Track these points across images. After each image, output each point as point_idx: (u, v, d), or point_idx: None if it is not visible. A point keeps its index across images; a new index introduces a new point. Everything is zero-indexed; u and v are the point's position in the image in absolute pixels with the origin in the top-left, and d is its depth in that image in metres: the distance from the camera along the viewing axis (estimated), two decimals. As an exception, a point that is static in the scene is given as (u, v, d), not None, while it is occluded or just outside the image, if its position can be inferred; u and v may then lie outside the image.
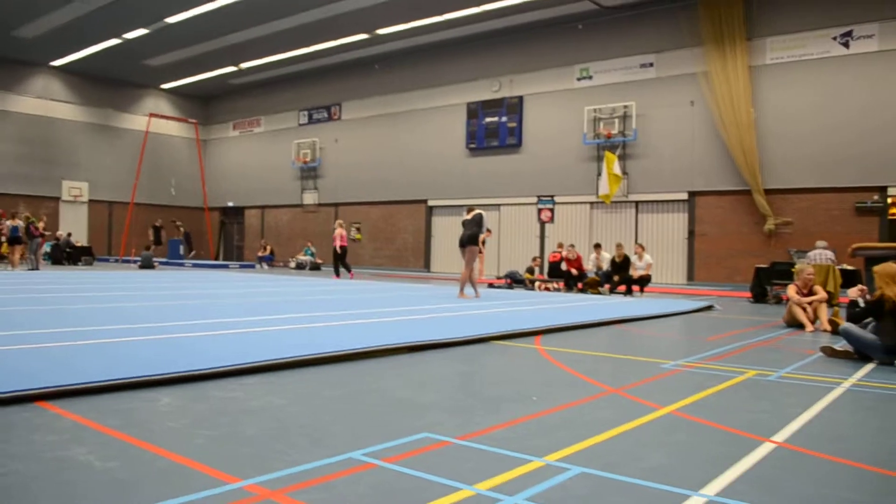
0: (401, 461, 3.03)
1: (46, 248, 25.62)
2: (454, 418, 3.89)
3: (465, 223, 12.86)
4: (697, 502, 2.64)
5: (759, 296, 15.47)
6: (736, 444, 3.53)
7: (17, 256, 20.75)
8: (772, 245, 20.06)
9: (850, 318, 7.07)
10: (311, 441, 3.32)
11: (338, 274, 21.41)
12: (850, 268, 14.70)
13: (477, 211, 13.01)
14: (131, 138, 34.36)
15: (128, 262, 28.76)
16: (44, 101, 32.03)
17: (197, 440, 3.27)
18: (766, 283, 15.56)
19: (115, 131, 34.62)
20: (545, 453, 3.20)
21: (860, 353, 6.74)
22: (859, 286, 7.46)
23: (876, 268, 6.78)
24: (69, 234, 27.99)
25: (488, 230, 13.34)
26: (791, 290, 10.12)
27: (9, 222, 20.73)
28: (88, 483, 2.63)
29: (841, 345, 7.10)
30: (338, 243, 21.08)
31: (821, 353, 7.03)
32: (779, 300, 14.79)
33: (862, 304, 7.00)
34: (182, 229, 31.14)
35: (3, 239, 21.68)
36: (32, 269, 20.24)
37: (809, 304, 9.78)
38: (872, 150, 18.71)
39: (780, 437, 3.67)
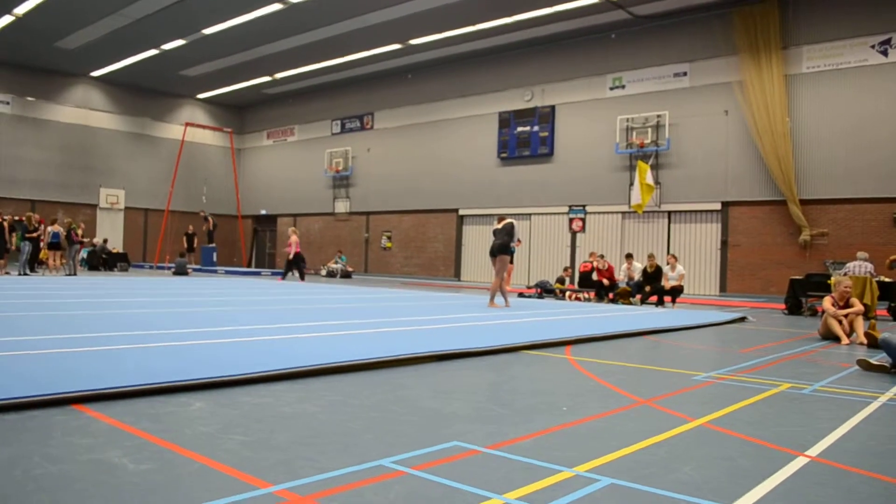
0: (430, 469, 3.04)
1: (83, 254, 26.08)
2: (483, 427, 3.89)
3: (495, 232, 12.85)
4: (728, 516, 2.61)
5: (794, 308, 15.25)
6: (768, 457, 3.48)
7: (56, 262, 21.18)
8: (807, 256, 19.77)
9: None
10: (341, 448, 3.34)
11: (284, 276, 23.32)
12: (887, 280, 14.43)
13: (508, 220, 13.00)
14: (167, 147, 34.95)
15: (162, 268, 29.16)
16: (83, 111, 32.73)
17: (228, 445, 3.31)
18: (801, 295, 15.33)
19: (151, 140, 35.23)
20: (575, 464, 3.18)
21: (898, 367, 6.61)
22: None
23: None
24: (105, 241, 28.47)
25: (518, 240, 13.25)
26: (827, 303, 9.95)
27: (50, 228, 21.16)
28: (123, 485, 2.68)
29: (878, 358, 6.97)
30: (292, 249, 22.67)
31: (857, 367, 6.91)
32: (814, 312, 14.56)
33: None
34: (210, 220, 30.79)
35: (43, 245, 22.12)
36: (70, 275, 20.61)
37: (845, 316, 9.61)
38: (912, 160, 18.38)
39: (814, 451, 3.61)
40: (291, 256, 22.81)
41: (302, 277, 23.29)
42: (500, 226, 12.87)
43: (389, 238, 31.15)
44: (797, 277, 15.89)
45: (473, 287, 23.12)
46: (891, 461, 3.57)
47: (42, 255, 23.04)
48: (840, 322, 9.58)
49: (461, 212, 28.26)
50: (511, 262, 18.18)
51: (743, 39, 20.96)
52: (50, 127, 31.62)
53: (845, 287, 9.90)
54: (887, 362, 6.74)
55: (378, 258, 31.71)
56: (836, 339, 9.45)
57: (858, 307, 9.80)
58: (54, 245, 21.05)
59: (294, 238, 23.00)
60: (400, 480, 2.88)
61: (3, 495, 2.53)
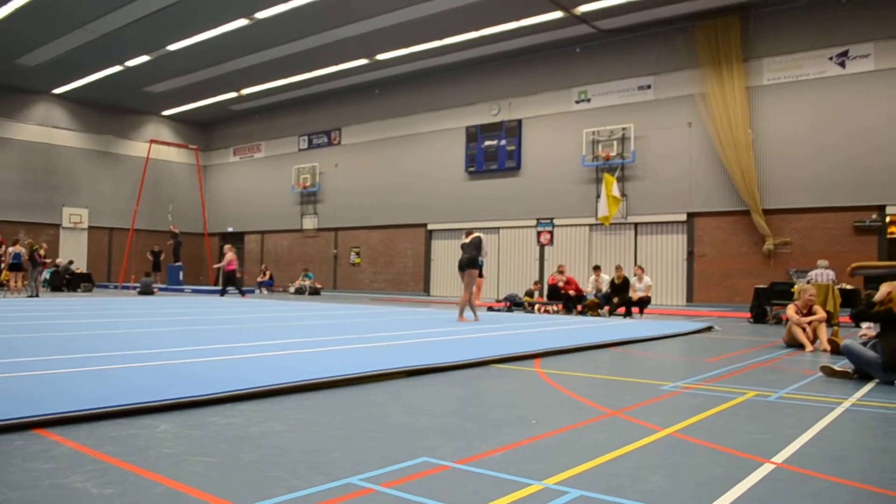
0: (399, 486, 3.02)
1: (46, 275, 25.64)
2: (453, 442, 3.88)
3: (464, 246, 12.87)
4: (696, 525, 2.63)
5: (759, 316, 15.48)
6: (735, 465, 3.52)
7: (18, 283, 20.78)
8: (771, 265, 20.07)
9: (856, 314, 7.14)
10: (310, 467, 3.31)
11: (223, 294, 23.86)
12: (849, 287, 14.71)
13: (476, 234, 13.04)
14: (132, 165, 34.51)
15: (127, 288, 28.74)
16: (45, 129, 32.21)
17: (194, 467, 3.26)
18: (766, 304, 15.57)
19: (115, 158, 34.78)
20: (544, 477, 3.19)
21: (860, 372, 6.73)
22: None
23: (886, 288, 6.82)
24: (70, 262, 27.99)
25: (485, 253, 13.26)
26: (790, 310, 10.11)
27: (12, 249, 20.77)
28: (85, 511, 2.62)
29: (840, 364, 7.09)
30: (227, 266, 23.57)
31: (820, 373, 7.02)
32: (778, 320, 14.77)
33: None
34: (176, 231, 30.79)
35: (3, 266, 21.71)
36: (32, 296, 20.23)
37: (809, 323, 9.76)
38: (870, 169, 18.78)
39: (780, 457, 3.66)
40: (227, 273, 23.81)
41: (242, 294, 24.02)
42: (468, 240, 12.91)
43: (358, 254, 31.04)
44: (762, 286, 16.13)
45: (443, 302, 23.12)
46: (854, 465, 3.63)
47: (2, 276, 22.61)
48: (804, 329, 9.73)
49: (430, 226, 28.26)
50: (481, 275, 18.24)
51: (705, 52, 21.30)
52: (11, 145, 31.08)
53: (809, 295, 10.06)
54: (850, 368, 6.86)
55: (347, 274, 31.57)
56: (801, 346, 9.60)
57: (821, 314, 9.97)
58: (16, 266, 20.65)
59: (230, 255, 23.69)
60: (369, 498, 2.86)
61: (-40, 524, 2.46)
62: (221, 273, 24.03)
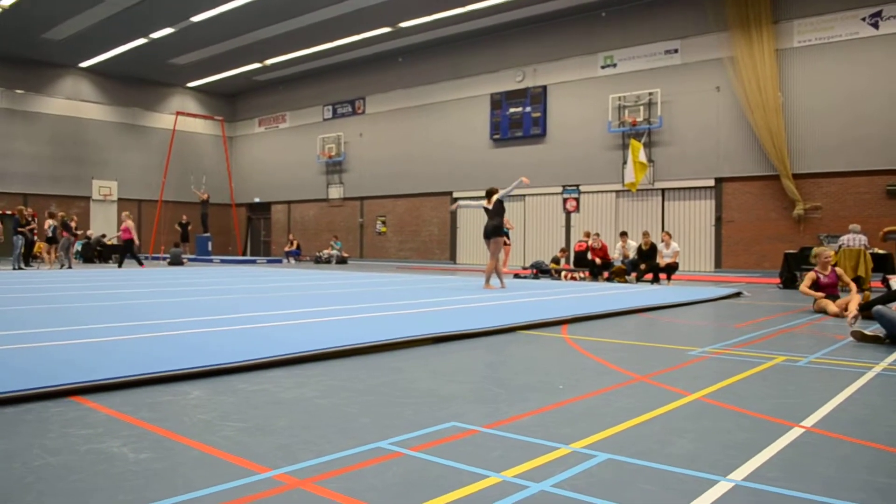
0: (428, 450, 3.06)
1: (77, 246, 26.01)
2: (481, 407, 3.91)
3: (487, 211, 12.75)
4: (724, 487, 2.64)
5: (789, 282, 15.32)
6: (763, 429, 3.51)
7: (52, 255, 21.14)
8: (801, 230, 19.82)
9: (879, 300, 7.01)
10: (339, 431, 3.36)
11: (121, 265, 21.98)
12: (881, 252, 14.49)
13: (496, 197, 12.73)
14: (159, 137, 34.81)
15: (157, 259, 29.11)
16: (73, 102, 32.54)
17: (226, 432, 3.32)
18: (796, 269, 15.40)
19: (142, 130, 35.08)
20: (572, 441, 3.21)
21: (892, 337, 6.65)
22: None
23: None
24: (103, 235, 28.39)
25: (508, 222, 12.97)
26: (806, 282, 9.94)
27: (50, 221, 21.09)
28: (122, 474, 2.69)
29: (872, 329, 7.02)
30: (127, 235, 21.82)
31: (851, 338, 6.95)
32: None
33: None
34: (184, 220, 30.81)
35: (36, 238, 22.06)
36: (65, 268, 20.57)
37: (845, 309, 9.32)
38: (904, 131, 18.39)
39: (808, 422, 3.64)
40: (123, 242, 22.08)
41: (140, 263, 22.30)
42: (490, 205, 12.71)
43: (384, 223, 31.13)
44: (791, 251, 15.96)
45: (469, 269, 23.15)
46: (884, 429, 3.61)
47: (36, 248, 22.98)
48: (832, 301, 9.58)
49: (455, 194, 28.22)
50: (507, 242, 18.18)
51: (733, 15, 20.88)
52: (40, 119, 31.46)
53: (825, 257, 10.00)
54: (881, 333, 6.78)
55: (373, 243, 31.70)
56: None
57: (846, 280, 9.77)
58: (51, 239, 20.99)
59: (129, 223, 22.02)
60: (398, 462, 2.90)
61: (3, 488, 2.54)
62: (66, 242, 21.34)
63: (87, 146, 32.95)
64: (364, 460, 2.90)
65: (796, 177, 19.94)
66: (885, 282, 14.00)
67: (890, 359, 5.83)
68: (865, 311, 7.43)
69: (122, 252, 22.28)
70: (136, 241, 22.57)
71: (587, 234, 19.00)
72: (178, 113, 32.36)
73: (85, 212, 32.29)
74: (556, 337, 6.96)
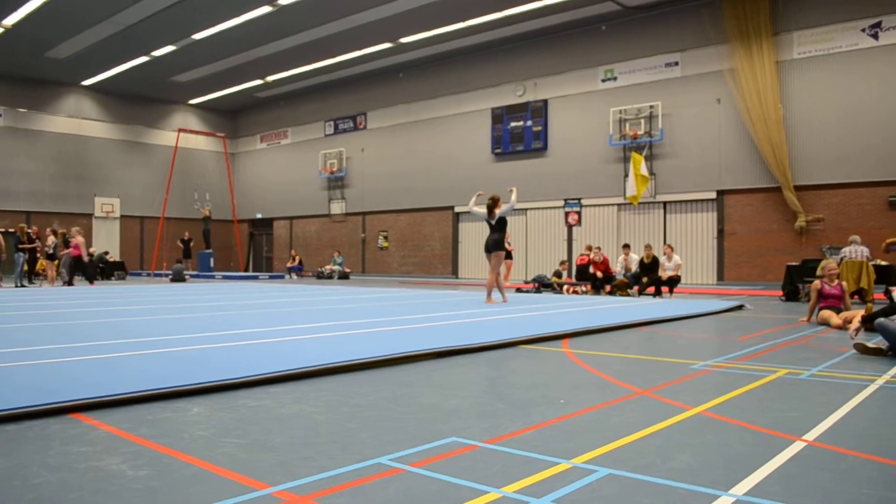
0: (429, 465, 3.05)
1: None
2: (481, 422, 3.90)
3: (489, 224, 12.71)
4: (726, 502, 2.63)
5: (791, 294, 15.27)
6: (765, 443, 3.49)
7: (54, 272, 21.16)
8: (803, 242, 19.80)
9: (881, 312, 6.99)
10: (340, 447, 3.35)
11: (70, 282, 20.98)
12: (883, 263, 14.47)
13: (498, 211, 12.61)
14: (161, 154, 34.91)
15: (160, 275, 29.15)
16: (76, 121, 32.68)
17: (226, 448, 3.31)
18: (798, 281, 15.35)
19: (145, 147, 35.19)
20: (573, 455, 3.19)
21: (894, 350, 6.63)
22: None
23: None
24: (106, 253, 28.44)
25: (509, 245, 12.72)
26: (813, 293, 10.09)
27: (52, 238, 21.13)
28: (121, 491, 2.68)
29: (875, 342, 6.99)
30: (76, 252, 20.99)
31: (854, 351, 6.93)
32: (810, 298, 14.56)
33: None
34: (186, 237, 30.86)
35: (40, 256, 22.10)
36: (66, 285, 20.59)
37: (848, 322, 9.25)
38: (905, 143, 18.40)
39: (811, 435, 3.63)
40: (72, 259, 21.12)
41: (91, 281, 21.63)
42: (493, 220, 12.62)
43: (386, 238, 31.16)
44: (794, 264, 15.92)
45: (471, 284, 23.14)
46: (887, 443, 3.59)
47: (39, 266, 23.01)
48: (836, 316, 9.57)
49: (457, 209, 28.25)
50: (510, 256, 18.20)
51: (733, 27, 20.96)
52: (43, 137, 31.58)
53: (830, 270, 10.08)
54: (884, 345, 6.76)
55: (375, 258, 31.71)
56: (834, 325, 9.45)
57: (856, 316, 9.52)
58: (51, 256, 21.03)
59: (79, 239, 21.31)
60: (398, 477, 2.89)
61: (2, 505, 2.54)
62: (68, 260, 21.09)
63: (90, 164, 33.05)
64: (364, 476, 2.89)
65: (798, 189, 19.94)
66: (888, 293, 13.97)
67: (892, 371, 5.81)
68: (868, 323, 7.41)
69: (71, 269, 21.33)
70: (85, 258, 21.92)
71: (589, 248, 19.00)
72: (180, 130, 32.46)
73: (87, 229, 32.29)
74: (557, 351, 6.94)
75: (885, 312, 7.01)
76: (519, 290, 19.23)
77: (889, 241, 13.86)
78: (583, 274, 18.35)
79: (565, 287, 18.71)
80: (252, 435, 3.58)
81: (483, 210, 12.80)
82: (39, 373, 5.00)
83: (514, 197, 12.78)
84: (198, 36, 25.51)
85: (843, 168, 19.37)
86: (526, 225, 26.12)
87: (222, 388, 4.71)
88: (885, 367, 6.04)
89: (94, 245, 30.38)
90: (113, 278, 26.77)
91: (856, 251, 14.30)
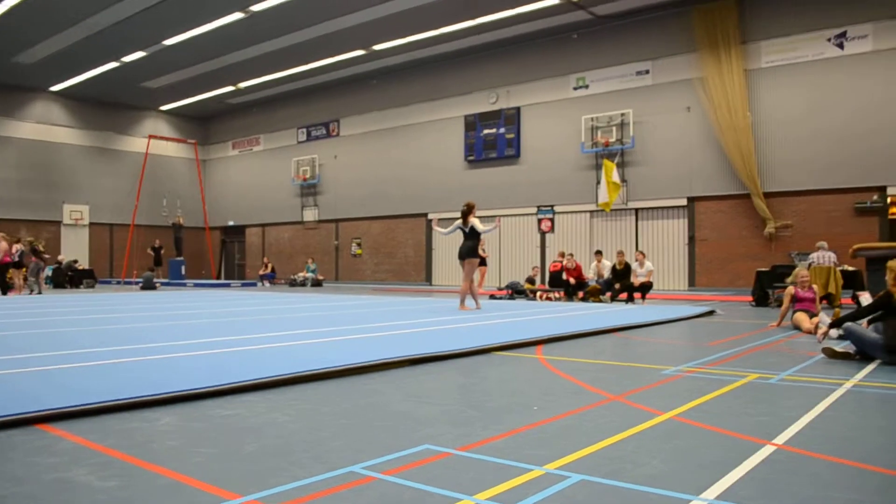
0: (401, 473, 3.03)
1: (48, 271, 25.66)
2: (454, 429, 3.89)
3: (463, 232, 12.72)
4: (697, 506, 2.64)
5: (761, 299, 15.46)
6: (736, 447, 3.52)
7: (20, 281, 20.81)
8: (772, 248, 20.06)
9: (848, 317, 7.10)
10: (312, 456, 3.32)
11: (4, 292, 20.19)
12: (851, 269, 14.69)
13: (471, 220, 12.65)
14: (131, 160, 34.50)
15: (129, 283, 28.79)
16: (44, 126, 32.20)
17: (197, 458, 3.27)
18: (768, 287, 15.55)
19: (114, 154, 34.76)
20: (545, 462, 3.20)
21: (862, 354, 6.73)
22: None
23: (890, 263, 6.78)
24: (75, 261, 28.03)
25: (483, 252, 12.76)
26: (786, 298, 10.22)
27: (18, 246, 20.74)
28: (88, 503, 2.64)
29: (842, 346, 7.10)
30: (2, 258, 19.93)
31: (822, 355, 7.03)
32: (780, 303, 14.75)
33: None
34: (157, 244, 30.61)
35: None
36: (35, 293, 20.26)
37: (816, 327, 9.38)
38: (870, 150, 18.74)
39: (781, 439, 3.67)
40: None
41: (4, 291, 20.31)
42: (466, 227, 12.66)
43: (359, 245, 31.06)
44: (763, 269, 16.12)
45: (445, 291, 23.13)
46: (855, 446, 3.64)
47: (8, 274, 22.62)
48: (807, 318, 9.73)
49: (430, 216, 28.24)
50: (484, 263, 18.21)
51: (702, 36, 21.23)
52: (10, 144, 31.07)
53: (802, 278, 10.23)
54: (851, 350, 6.86)
55: (349, 265, 31.60)
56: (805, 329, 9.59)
57: (823, 325, 9.58)
58: (17, 264, 20.67)
59: (3, 245, 19.93)
60: (371, 486, 2.87)
61: (-35, 519, 2.48)
62: (35, 268, 20.66)
63: (58, 170, 32.56)
64: (337, 485, 2.87)
65: (767, 195, 20.22)
66: (856, 299, 14.19)
67: (860, 375, 5.90)
68: (836, 327, 7.52)
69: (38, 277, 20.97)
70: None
71: (561, 255, 19.09)
72: (150, 136, 32.12)
73: (56, 236, 31.88)
74: (530, 358, 6.96)
75: (853, 317, 7.12)
76: (493, 296, 19.26)
77: (856, 246, 14.07)
78: (556, 280, 18.42)
79: (538, 294, 18.77)
80: (223, 444, 3.54)
81: (447, 229, 13.09)
82: (3, 383, 4.90)
83: (487, 227, 12.82)
84: (169, 41, 25.28)
85: (810, 175, 19.68)
86: (499, 232, 26.14)
87: (193, 397, 4.65)
88: (853, 370, 6.13)
89: (63, 253, 29.95)
90: (82, 286, 26.38)
91: (823, 257, 14.51)
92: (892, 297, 6.53)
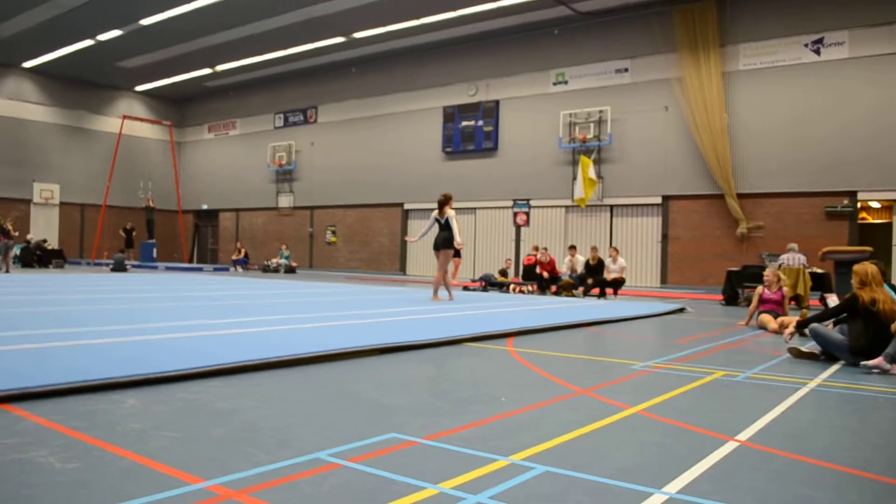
0: (366, 461, 3.03)
1: (16, 250, 25.25)
2: (421, 419, 3.90)
3: (438, 223, 12.70)
4: (659, 500, 2.67)
5: (731, 298, 15.64)
6: (699, 443, 3.57)
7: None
8: (744, 249, 20.27)
9: (814, 318, 7.21)
10: (278, 442, 3.31)
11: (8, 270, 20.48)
12: (819, 271, 14.91)
13: (447, 211, 12.64)
14: (104, 140, 33.98)
15: (100, 265, 28.44)
16: (15, 103, 31.59)
17: (161, 442, 3.24)
18: (738, 286, 15.74)
19: (87, 133, 34.23)
20: (510, 453, 3.21)
21: (827, 354, 6.84)
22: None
23: (856, 266, 6.88)
24: (44, 241, 27.61)
25: (459, 244, 12.74)
26: (755, 299, 10.45)
27: None
28: (47, 484, 2.61)
29: (808, 346, 7.20)
30: None
31: (788, 355, 7.13)
32: (750, 302, 14.93)
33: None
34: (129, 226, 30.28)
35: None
36: (3, 272, 19.94)
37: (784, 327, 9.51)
38: (843, 155, 18.98)
39: (743, 435, 3.72)
40: None
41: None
42: (441, 218, 12.65)
43: (334, 233, 30.93)
44: (734, 269, 16.30)
45: (419, 281, 23.12)
46: (816, 443, 3.70)
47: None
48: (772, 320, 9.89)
49: (406, 206, 28.20)
50: (458, 255, 18.20)
51: (682, 37, 21.35)
52: (-21, 120, 30.51)
53: (767, 277, 10.45)
54: (817, 350, 6.97)
55: (323, 253, 31.46)
56: (771, 329, 9.72)
57: (792, 322, 9.71)
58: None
59: None
60: (335, 473, 2.87)
61: (-80, 497, 2.44)
62: (2, 247, 20.35)
63: (29, 148, 31.97)
64: (301, 471, 2.86)
65: (740, 196, 20.42)
66: (823, 300, 14.42)
67: (824, 375, 5.99)
68: (802, 328, 7.63)
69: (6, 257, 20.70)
70: None
71: (536, 248, 19.16)
72: (124, 117, 31.65)
73: (25, 215, 31.33)
74: (501, 350, 6.98)
75: (819, 318, 7.23)
76: (466, 288, 19.29)
77: (825, 249, 14.27)
78: (529, 274, 18.49)
79: (512, 286, 18.84)
80: (188, 429, 3.51)
81: (422, 230, 13.23)
82: (-33, 361, 4.83)
83: (456, 231, 12.69)
84: (146, 21, 24.90)
85: (783, 178, 19.89)
86: (475, 224, 26.20)
87: (159, 380, 4.62)
88: (818, 370, 6.22)
89: (32, 232, 29.46)
90: (50, 266, 26.00)
91: (793, 258, 14.72)
92: (857, 300, 6.63)
